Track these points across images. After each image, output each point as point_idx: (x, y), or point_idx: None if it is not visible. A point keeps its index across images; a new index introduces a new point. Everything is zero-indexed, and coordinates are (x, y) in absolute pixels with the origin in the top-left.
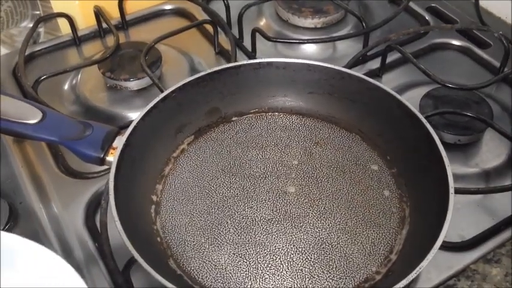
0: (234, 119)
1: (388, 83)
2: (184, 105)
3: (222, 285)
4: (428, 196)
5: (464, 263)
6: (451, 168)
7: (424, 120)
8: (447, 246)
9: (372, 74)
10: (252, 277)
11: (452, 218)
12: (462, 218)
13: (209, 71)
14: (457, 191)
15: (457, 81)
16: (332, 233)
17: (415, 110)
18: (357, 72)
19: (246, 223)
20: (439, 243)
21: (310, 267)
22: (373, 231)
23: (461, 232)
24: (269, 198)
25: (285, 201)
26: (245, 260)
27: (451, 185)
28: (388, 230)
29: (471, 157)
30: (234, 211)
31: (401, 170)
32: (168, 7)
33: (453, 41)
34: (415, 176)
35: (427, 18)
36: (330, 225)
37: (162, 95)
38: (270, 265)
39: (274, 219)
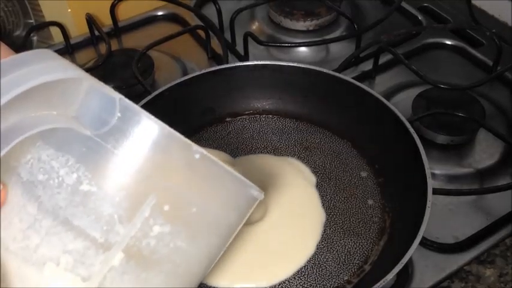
0: (227, 119)
1: (381, 84)
2: (178, 104)
3: None
4: (410, 208)
5: (458, 264)
6: (445, 168)
7: (411, 129)
8: (441, 248)
9: (365, 75)
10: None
11: (446, 218)
12: (456, 218)
13: (204, 71)
14: (450, 193)
15: (451, 80)
16: None
17: (402, 117)
18: (347, 76)
19: None
20: (406, 259)
21: None
22: (351, 240)
23: (455, 233)
24: None
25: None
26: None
27: (430, 199)
28: (366, 240)
29: (465, 157)
30: None
31: (388, 180)
32: (160, 13)
33: (446, 40)
34: (400, 186)
35: (419, 18)
36: None
37: (155, 93)
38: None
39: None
